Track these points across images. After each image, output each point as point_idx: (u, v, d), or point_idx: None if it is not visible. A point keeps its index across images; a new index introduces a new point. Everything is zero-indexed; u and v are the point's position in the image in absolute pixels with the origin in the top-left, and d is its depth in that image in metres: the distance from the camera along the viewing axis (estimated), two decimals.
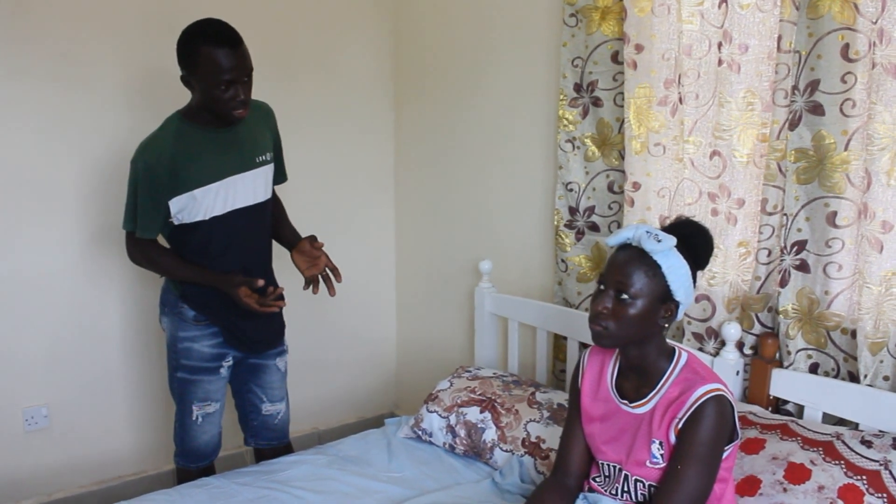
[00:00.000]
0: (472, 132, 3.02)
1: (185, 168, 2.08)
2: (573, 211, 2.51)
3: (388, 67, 3.44)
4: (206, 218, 2.15)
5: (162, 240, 2.26)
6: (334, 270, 2.33)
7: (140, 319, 2.89)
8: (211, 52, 1.98)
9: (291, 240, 2.38)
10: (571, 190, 2.49)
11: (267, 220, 2.33)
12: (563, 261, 2.55)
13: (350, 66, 3.31)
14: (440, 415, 2.39)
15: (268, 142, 2.28)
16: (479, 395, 2.39)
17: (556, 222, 2.56)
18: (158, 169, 2.07)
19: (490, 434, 2.26)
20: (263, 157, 2.25)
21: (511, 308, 2.74)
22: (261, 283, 2.15)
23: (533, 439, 2.17)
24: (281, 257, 2.43)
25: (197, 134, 2.12)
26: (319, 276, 2.35)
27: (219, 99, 2.03)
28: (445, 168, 3.19)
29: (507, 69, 2.81)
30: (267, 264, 2.37)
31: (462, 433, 2.32)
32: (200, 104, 2.11)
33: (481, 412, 2.32)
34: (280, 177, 2.42)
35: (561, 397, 2.30)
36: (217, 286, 2.18)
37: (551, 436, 2.15)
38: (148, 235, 2.18)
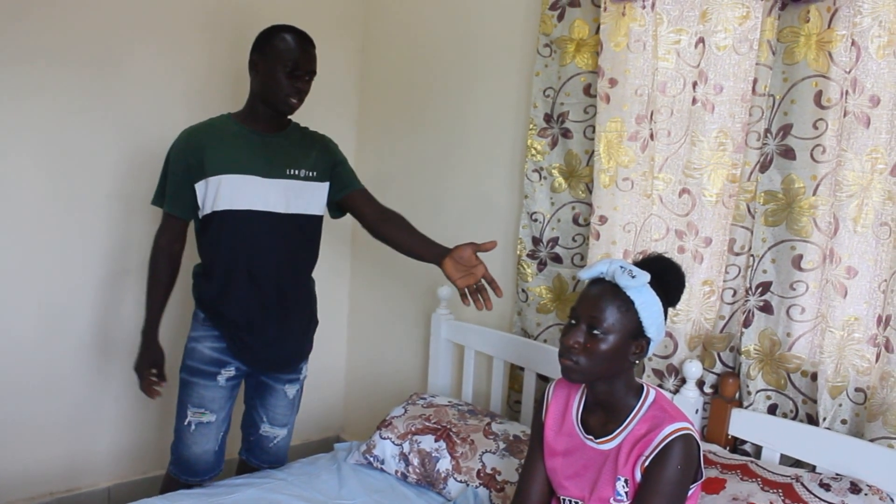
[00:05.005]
0: (436, 154, 2.99)
1: (211, 154, 2.15)
2: (536, 241, 2.49)
3: (353, 83, 3.40)
4: (219, 209, 2.16)
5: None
6: (492, 282, 2.05)
7: (84, 321, 2.77)
8: (287, 37, 2.15)
9: (435, 250, 2.17)
10: (536, 220, 2.48)
11: (291, 239, 2.27)
12: (523, 291, 2.53)
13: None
14: (393, 442, 2.33)
15: (310, 162, 2.28)
16: (434, 423, 2.34)
17: (518, 252, 2.54)
18: (188, 149, 2.17)
19: (444, 464, 2.20)
20: (295, 172, 2.25)
21: (468, 336, 2.70)
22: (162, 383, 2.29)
23: (488, 471, 2.13)
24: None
25: (237, 129, 2.21)
26: (474, 287, 2.07)
27: (279, 82, 2.13)
28: (405, 189, 3.14)
29: (477, 95, 2.80)
30: (291, 287, 2.31)
31: (415, 462, 2.26)
32: (257, 95, 2.19)
33: (436, 441, 2.26)
34: (355, 182, 2.39)
35: (517, 429, 2.27)
36: (143, 338, 2.28)
37: (507, 468, 2.11)
38: (174, 210, 2.22)
